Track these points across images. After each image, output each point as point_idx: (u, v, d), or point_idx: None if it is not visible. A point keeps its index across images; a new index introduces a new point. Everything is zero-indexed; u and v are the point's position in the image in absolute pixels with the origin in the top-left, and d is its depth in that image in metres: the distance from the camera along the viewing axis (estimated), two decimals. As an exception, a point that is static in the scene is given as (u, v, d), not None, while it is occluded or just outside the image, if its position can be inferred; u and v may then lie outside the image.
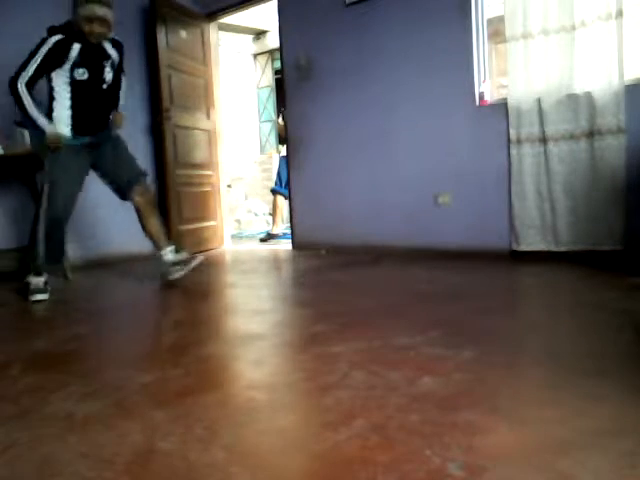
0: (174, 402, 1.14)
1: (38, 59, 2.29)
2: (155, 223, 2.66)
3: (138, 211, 2.64)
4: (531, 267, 2.70)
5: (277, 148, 6.70)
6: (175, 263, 2.64)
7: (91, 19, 2.31)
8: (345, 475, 0.81)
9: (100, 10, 2.31)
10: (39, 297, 2.32)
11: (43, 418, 1.09)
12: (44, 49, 2.29)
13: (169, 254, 2.66)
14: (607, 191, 2.64)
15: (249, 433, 1.00)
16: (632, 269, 2.39)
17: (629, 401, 1.03)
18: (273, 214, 5.15)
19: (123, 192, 2.62)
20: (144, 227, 2.66)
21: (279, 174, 5.00)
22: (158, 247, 2.67)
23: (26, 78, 2.28)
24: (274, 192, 5.07)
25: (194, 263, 2.66)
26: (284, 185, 4.75)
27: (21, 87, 2.27)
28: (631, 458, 0.82)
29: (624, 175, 2.59)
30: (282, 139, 5.13)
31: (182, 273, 2.63)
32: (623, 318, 1.63)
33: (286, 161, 4.40)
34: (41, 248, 2.41)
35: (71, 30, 2.34)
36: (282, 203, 5.03)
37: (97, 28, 2.34)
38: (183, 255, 2.69)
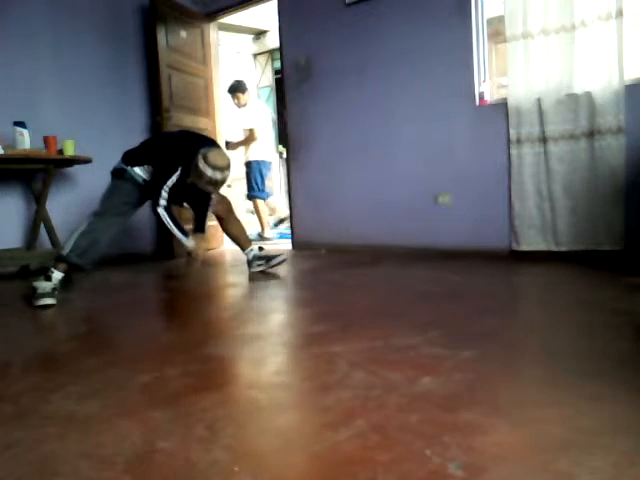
0: (174, 402, 1.14)
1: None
2: (237, 227, 2.90)
3: (220, 219, 2.88)
4: (531, 267, 2.70)
5: (277, 148, 6.64)
6: (259, 257, 2.86)
7: (211, 183, 2.37)
8: (345, 475, 0.81)
9: (222, 175, 2.37)
10: (47, 301, 2.20)
11: (43, 418, 1.09)
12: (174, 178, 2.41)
13: (254, 251, 2.88)
14: (607, 191, 2.64)
15: (250, 433, 1.00)
16: (632, 269, 2.39)
17: (629, 401, 1.03)
18: (259, 219, 5.05)
19: None
20: (226, 231, 2.92)
21: (254, 180, 4.91)
22: (242, 248, 2.90)
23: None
24: (251, 198, 4.99)
25: (276, 260, 2.87)
26: (261, 189, 4.87)
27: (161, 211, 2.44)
28: (631, 458, 0.82)
29: (624, 175, 2.60)
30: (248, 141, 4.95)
31: (263, 268, 2.85)
32: (623, 318, 1.63)
33: (259, 165, 4.73)
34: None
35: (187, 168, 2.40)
36: (263, 206, 5.00)
37: (210, 189, 2.43)
38: (265, 252, 2.93)
